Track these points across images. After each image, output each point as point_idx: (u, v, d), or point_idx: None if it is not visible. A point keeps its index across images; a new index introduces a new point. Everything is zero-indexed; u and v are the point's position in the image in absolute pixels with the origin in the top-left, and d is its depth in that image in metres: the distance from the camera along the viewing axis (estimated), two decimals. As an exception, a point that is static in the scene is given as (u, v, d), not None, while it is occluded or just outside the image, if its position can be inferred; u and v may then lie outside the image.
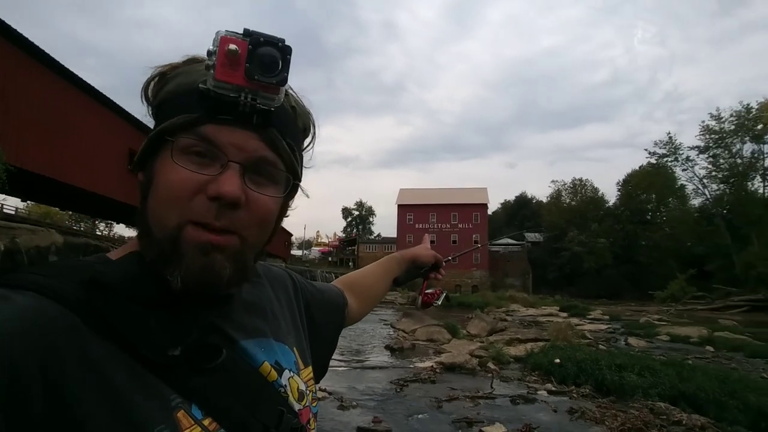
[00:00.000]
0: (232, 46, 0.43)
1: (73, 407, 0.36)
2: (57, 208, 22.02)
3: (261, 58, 0.44)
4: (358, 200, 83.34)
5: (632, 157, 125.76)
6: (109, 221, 32.66)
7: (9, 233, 9.03)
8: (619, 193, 54.38)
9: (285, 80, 0.46)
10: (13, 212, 19.61)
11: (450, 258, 1.19)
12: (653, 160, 46.71)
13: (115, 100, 14.99)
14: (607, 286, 46.04)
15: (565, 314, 22.38)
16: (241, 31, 0.45)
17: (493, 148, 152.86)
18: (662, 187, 46.80)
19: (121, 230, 42.85)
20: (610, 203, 55.67)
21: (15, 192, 14.44)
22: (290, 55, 0.46)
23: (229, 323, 0.52)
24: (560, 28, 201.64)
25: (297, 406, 0.53)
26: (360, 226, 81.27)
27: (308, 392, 0.58)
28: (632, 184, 51.57)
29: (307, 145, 0.57)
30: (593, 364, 7.25)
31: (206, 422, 0.42)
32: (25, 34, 11.21)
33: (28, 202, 20.71)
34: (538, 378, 7.45)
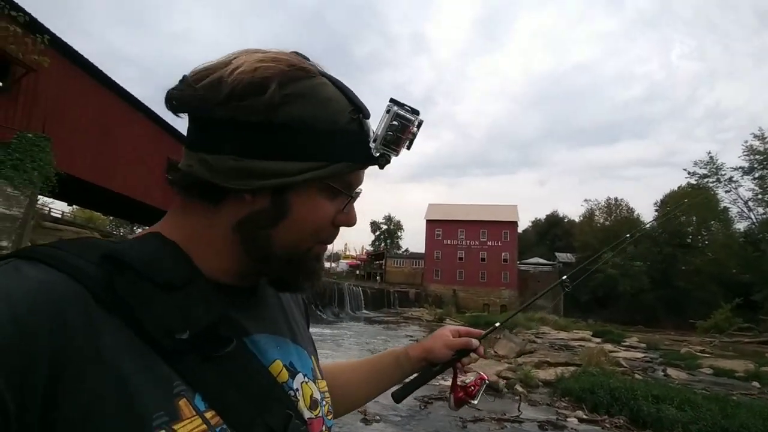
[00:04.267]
0: (416, 130, 0.52)
1: (77, 384, 0.36)
2: (99, 213, 23.15)
3: (415, 134, 0.53)
4: (387, 214, 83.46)
5: (669, 176, 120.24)
6: (146, 226, 34.07)
7: (56, 234, 9.55)
8: (657, 214, 52.40)
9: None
10: (59, 215, 20.69)
11: (498, 325, 0.97)
12: (693, 181, 44.88)
13: (153, 107, 15.70)
14: (643, 312, 44.07)
15: (598, 339, 21.53)
16: (411, 108, 0.52)
17: (523, 164, 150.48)
18: (704, 209, 44.73)
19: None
20: (647, 225, 53.67)
21: (62, 196, 15.27)
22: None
23: (246, 314, 0.51)
24: (593, 41, 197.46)
25: (308, 414, 0.51)
26: (388, 240, 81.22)
27: (324, 403, 0.56)
28: (670, 205, 49.56)
29: None
30: (628, 393, 6.93)
31: (209, 415, 0.41)
32: (70, 43, 11.95)
33: (74, 206, 21.81)
34: (568, 404, 7.16)
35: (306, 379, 0.54)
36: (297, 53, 0.51)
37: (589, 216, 56.64)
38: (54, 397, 0.35)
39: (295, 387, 0.51)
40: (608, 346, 18.27)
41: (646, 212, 56.84)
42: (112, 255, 0.41)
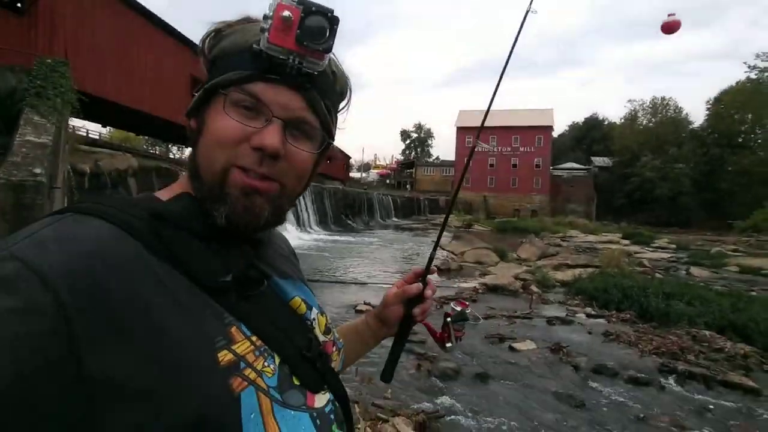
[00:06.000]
0: (286, 13, 0.49)
1: (148, 311, 0.42)
2: (133, 134, 23.82)
3: (310, 26, 0.50)
4: (417, 122, 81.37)
5: (731, 70, 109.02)
6: (180, 145, 34.83)
7: (92, 157, 10.02)
8: (708, 112, 48.62)
9: (330, 48, 0.51)
10: (97, 137, 21.47)
11: (434, 269, 0.84)
12: (753, 75, 40.75)
13: (173, 23, 15.27)
14: (680, 215, 43.08)
15: (627, 242, 21.55)
16: None
17: (564, 63, 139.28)
18: (761, 107, 41.07)
19: (192, 154, 45.65)
20: (696, 125, 50.23)
21: (94, 118, 15.70)
22: (337, 25, 0.51)
23: (263, 262, 0.58)
24: None
25: (322, 338, 0.61)
26: (419, 149, 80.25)
27: (334, 329, 0.66)
28: (725, 102, 45.70)
29: (342, 107, 0.62)
30: (640, 291, 7.15)
31: (253, 338, 0.49)
32: None
33: (109, 128, 22.46)
34: (580, 302, 7.50)
35: (319, 312, 0.63)
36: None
37: (631, 117, 53.32)
38: (120, 313, 0.41)
39: (312, 317, 0.61)
40: (635, 248, 18.36)
41: (697, 112, 52.67)
42: (159, 213, 0.49)
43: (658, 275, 10.55)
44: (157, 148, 38.97)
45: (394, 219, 35.45)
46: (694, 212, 43.26)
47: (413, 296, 0.79)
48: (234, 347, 0.47)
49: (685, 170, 44.24)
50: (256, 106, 0.51)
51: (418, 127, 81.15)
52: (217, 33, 0.55)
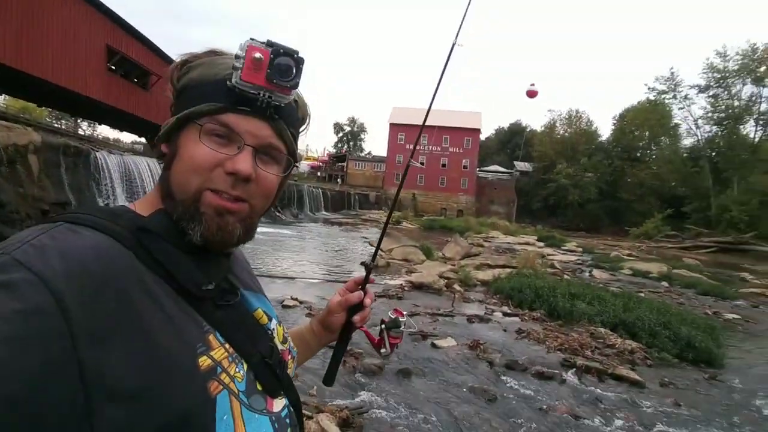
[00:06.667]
0: (258, 55, 0.53)
1: (140, 317, 0.46)
2: (34, 104, 21.24)
3: (279, 65, 0.55)
4: (351, 116, 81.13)
5: (637, 90, 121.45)
6: (92, 121, 31.68)
7: (-16, 128, 8.83)
8: (614, 127, 53.88)
9: (297, 84, 0.57)
10: (-12, 105, 18.85)
11: (370, 265, 0.90)
12: (651, 96, 45.86)
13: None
14: (588, 220, 47.36)
15: (541, 244, 23.26)
16: (265, 41, 0.55)
17: (497, 69, 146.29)
18: (656, 125, 46.39)
19: (106, 131, 41.66)
20: (603, 138, 55.40)
21: (-13, 84, 13.79)
22: (303, 64, 0.56)
23: (231, 274, 0.65)
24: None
25: (280, 347, 0.67)
26: (351, 143, 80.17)
27: (289, 339, 0.72)
28: (627, 119, 50.93)
29: (302, 130, 0.68)
30: (550, 291, 7.81)
31: (227, 346, 0.54)
32: None
33: (3, 96, 19.84)
34: (498, 301, 8.02)
35: (277, 322, 0.69)
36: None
37: (550, 126, 57.53)
38: (121, 319, 0.45)
39: (272, 327, 0.66)
40: (548, 250, 19.90)
41: (605, 125, 58.03)
42: (144, 226, 0.53)
43: (566, 277, 11.56)
44: (63, 122, 35.12)
45: (324, 213, 35.17)
46: (600, 218, 47.73)
47: (354, 304, 0.84)
48: (212, 353, 0.52)
49: (593, 179, 48.63)
50: (228, 134, 0.56)
51: (352, 121, 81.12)
52: (184, 64, 0.60)
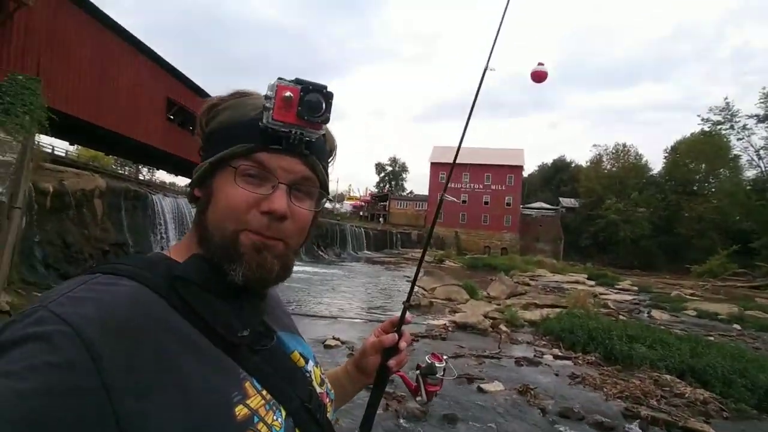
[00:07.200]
0: (288, 93, 0.54)
1: (175, 368, 0.46)
2: (102, 153, 23.21)
3: (309, 102, 0.55)
4: (392, 156, 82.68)
5: (688, 121, 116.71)
6: (151, 167, 34.06)
7: (57, 176, 9.66)
8: (666, 160, 51.56)
9: (328, 119, 0.57)
10: (63, 154, 20.78)
11: (405, 307, 0.87)
12: (706, 127, 43.74)
13: (151, 45, 15.26)
14: (642, 257, 44.71)
15: (592, 282, 22.11)
16: (293, 79, 0.56)
17: (536, 105, 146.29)
18: (713, 158, 43.93)
19: (163, 176, 44.57)
20: (654, 171, 53.05)
21: (62, 136, 15.28)
22: (332, 99, 0.57)
23: (269, 316, 0.64)
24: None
25: (318, 390, 0.64)
26: (393, 182, 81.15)
27: (326, 381, 0.70)
28: (680, 152, 48.66)
29: (330, 162, 0.67)
30: (605, 333, 7.30)
31: (264, 393, 0.53)
32: None
33: (77, 146, 21.82)
34: (548, 343, 7.58)
35: (314, 363, 0.67)
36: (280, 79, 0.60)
37: (596, 161, 55.93)
38: (152, 370, 0.44)
39: (309, 370, 0.65)
40: (600, 289, 18.85)
41: (656, 159, 55.75)
42: (180, 276, 0.53)
43: (621, 317, 10.83)
44: (127, 168, 37.96)
45: (367, 252, 35.33)
46: (655, 255, 44.97)
47: (389, 347, 0.80)
48: (248, 402, 0.51)
49: (645, 214, 46.25)
50: (262, 174, 0.56)
51: (393, 161, 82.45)
52: (212, 108, 0.60)
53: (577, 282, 21.19)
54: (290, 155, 0.57)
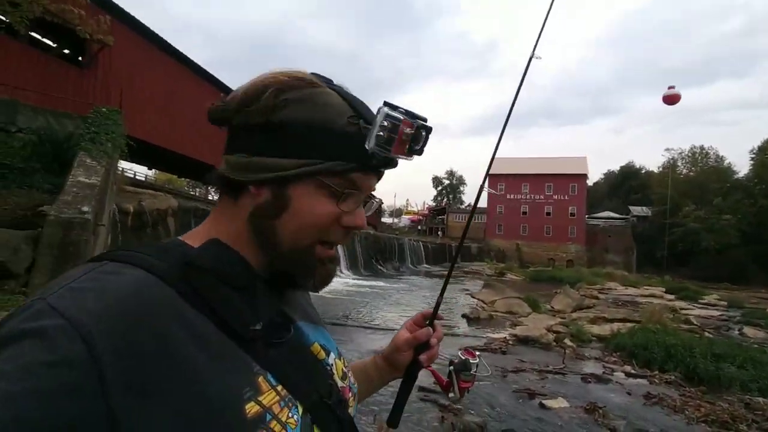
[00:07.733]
0: (408, 130, 0.55)
1: (180, 361, 0.42)
2: (176, 176, 25.17)
3: (418, 138, 0.56)
4: (449, 169, 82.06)
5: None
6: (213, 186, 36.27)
7: (137, 197, 10.59)
8: (753, 162, 46.68)
9: (423, 151, 0.58)
10: (143, 179, 22.78)
11: (439, 300, 0.87)
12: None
13: (216, 74, 16.43)
14: (730, 269, 40.31)
15: (671, 296, 20.32)
16: (404, 110, 0.55)
17: (597, 112, 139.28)
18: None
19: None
20: (740, 174, 48.20)
21: (140, 161, 16.76)
22: (431, 133, 0.58)
23: (289, 305, 0.61)
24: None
25: (340, 384, 0.61)
26: (450, 195, 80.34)
27: (350, 374, 0.66)
28: (770, 151, 43.97)
29: None
30: (686, 350, 6.65)
31: (279, 388, 0.49)
32: (138, 16, 12.70)
33: (154, 170, 23.80)
34: (619, 360, 7.03)
35: (336, 356, 0.64)
36: (314, 74, 0.58)
37: (670, 166, 51.91)
38: (154, 364, 0.41)
39: (330, 363, 0.61)
40: (681, 304, 17.28)
41: (740, 161, 50.76)
42: (192, 262, 0.49)
43: (707, 334, 9.82)
44: (198, 189, 40.76)
45: (425, 265, 35.06)
46: (746, 267, 40.58)
47: (421, 342, 0.79)
48: (260, 398, 0.47)
49: (732, 221, 42.04)
50: (351, 192, 0.55)
51: (450, 174, 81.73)
52: (279, 93, 0.54)
53: (653, 296, 19.59)
54: (376, 175, 0.58)
